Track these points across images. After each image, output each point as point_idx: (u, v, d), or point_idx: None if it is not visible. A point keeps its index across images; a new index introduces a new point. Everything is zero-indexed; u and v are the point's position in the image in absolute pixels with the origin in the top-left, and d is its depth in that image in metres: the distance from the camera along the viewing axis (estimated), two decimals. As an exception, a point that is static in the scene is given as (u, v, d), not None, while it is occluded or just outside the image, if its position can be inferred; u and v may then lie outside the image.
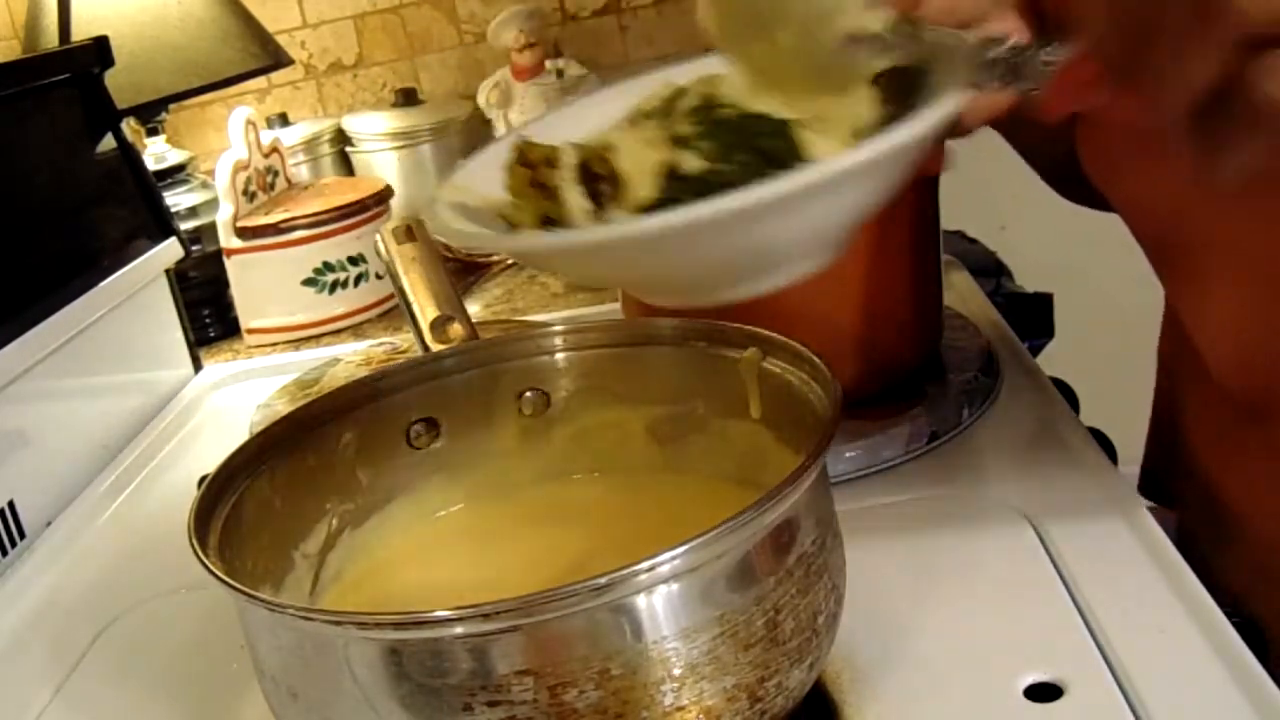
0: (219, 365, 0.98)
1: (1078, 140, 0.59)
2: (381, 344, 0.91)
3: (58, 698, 0.55)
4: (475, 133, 1.32)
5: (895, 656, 0.48)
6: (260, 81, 1.37)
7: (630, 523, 0.55)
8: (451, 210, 0.43)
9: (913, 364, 0.68)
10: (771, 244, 0.38)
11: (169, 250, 0.91)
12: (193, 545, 0.41)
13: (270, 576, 0.48)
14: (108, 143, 0.89)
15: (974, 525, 0.57)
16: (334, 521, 0.52)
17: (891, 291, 0.67)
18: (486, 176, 0.44)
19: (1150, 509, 0.54)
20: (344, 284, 1.03)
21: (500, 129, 1.28)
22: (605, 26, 1.39)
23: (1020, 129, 0.62)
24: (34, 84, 0.81)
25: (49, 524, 0.72)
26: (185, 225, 1.04)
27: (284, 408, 0.79)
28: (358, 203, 1.03)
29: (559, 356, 0.56)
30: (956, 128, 0.42)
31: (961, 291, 0.85)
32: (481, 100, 1.29)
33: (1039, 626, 0.48)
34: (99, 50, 0.88)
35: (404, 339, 0.91)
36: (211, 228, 1.02)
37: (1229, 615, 0.47)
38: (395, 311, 1.06)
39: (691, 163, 0.39)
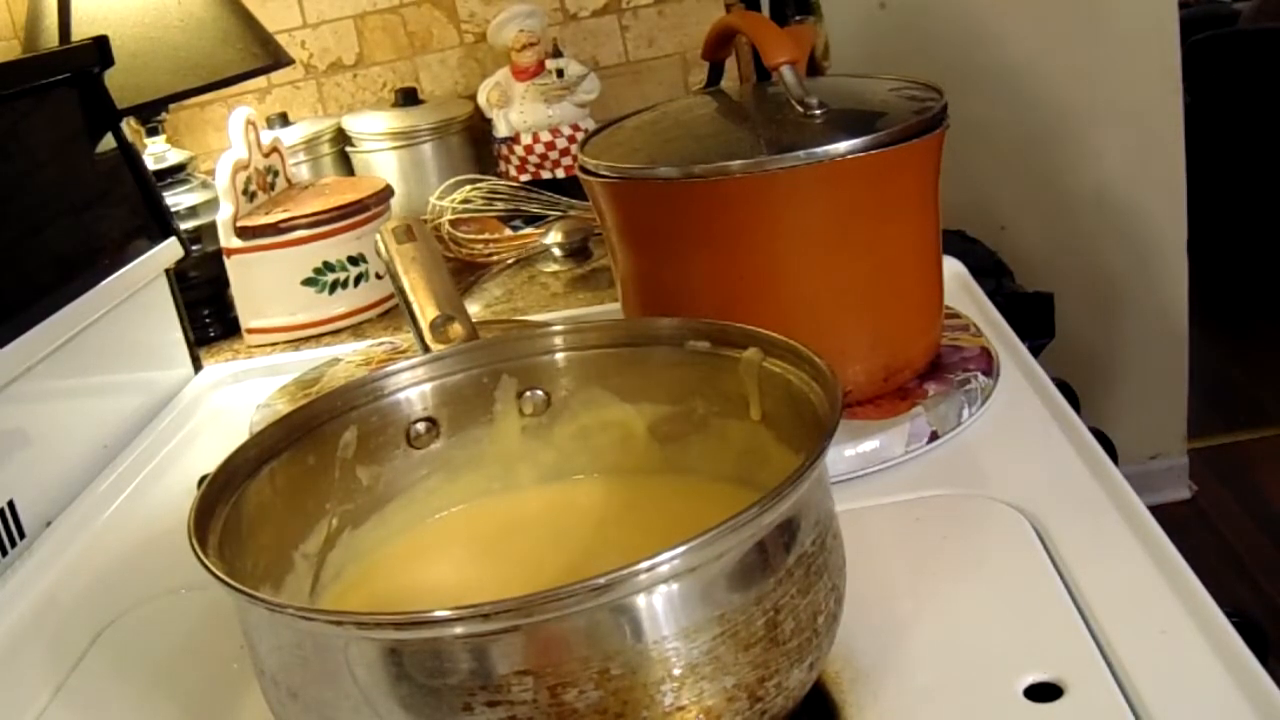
0: (219, 365, 0.98)
1: None
2: (381, 344, 0.91)
3: (58, 698, 0.55)
4: (475, 132, 1.32)
5: (895, 656, 0.48)
6: (260, 81, 1.37)
7: (630, 523, 0.55)
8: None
9: (912, 364, 0.68)
10: None
11: (169, 250, 0.91)
12: (193, 545, 0.41)
13: (270, 576, 0.48)
14: (108, 143, 0.89)
15: (974, 525, 0.57)
16: (334, 521, 0.52)
17: (891, 292, 0.67)
18: None
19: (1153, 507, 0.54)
20: (344, 284, 1.03)
21: (500, 129, 1.28)
22: (605, 26, 1.39)
23: None
24: (34, 84, 0.81)
25: (49, 524, 0.72)
26: (185, 225, 1.04)
27: (284, 408, 0.79)
28: (358, 203, 1.03)
29: (559, 356, 0.56)
30: None
31: (961, 291, 0.85)
32: (481, 100, 1.29)
33: (1039, 626, 0.48)
34: (99, 50, 0.87)
35: (404, 339, 0.91)
36: (211, 228, 1.02)
37: (1229, 615, 0.47)
38: (395, 311, 1.06)
39: None
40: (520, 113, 1.26)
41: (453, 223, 1.11)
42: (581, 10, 1.38)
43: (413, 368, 0.55)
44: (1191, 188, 1.76)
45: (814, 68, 0.73)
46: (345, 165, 1.33)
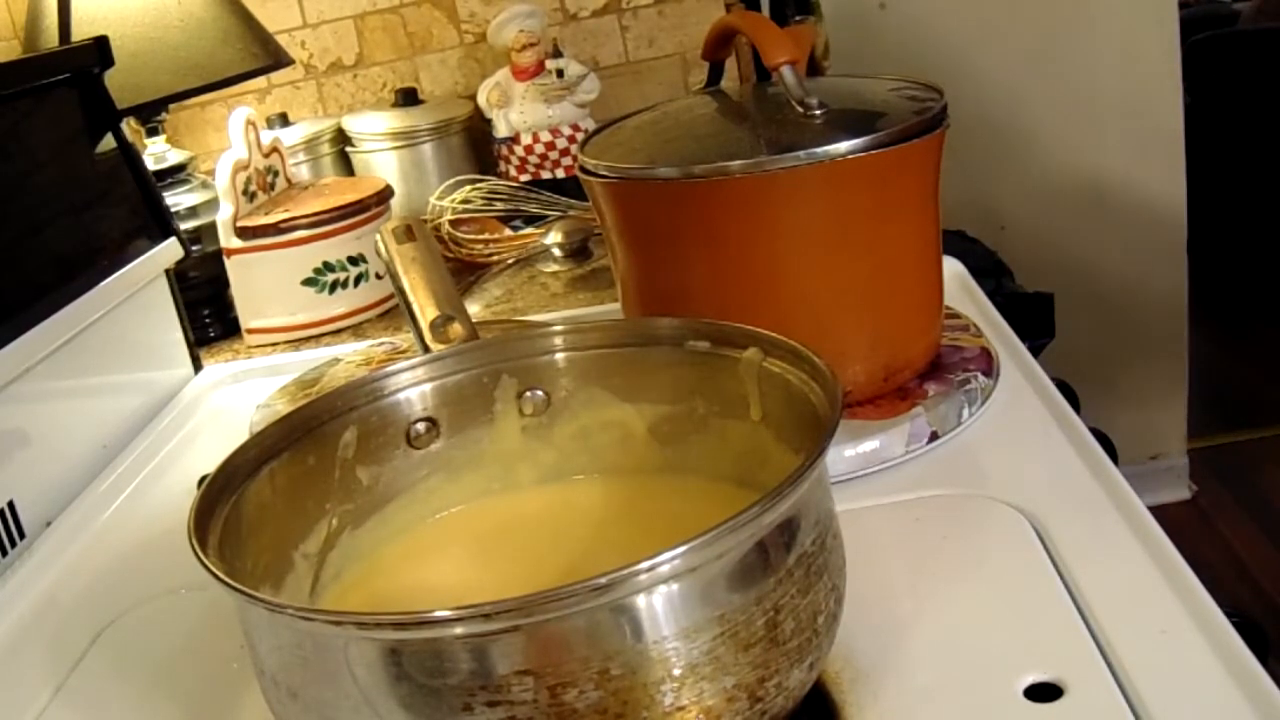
0: (219, 365, 0.98)
1: None
2: (381, 344, 0.91)
3: (58, 698, 0.55)
4: (475, 133, 1.32)
5: (895, 656, 0.48)
6: (260, 81, 1.37)
7: (630, 523, 0.55)
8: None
9: (912, 364, 0.68)
10: None
11: (169, 250, 0.91)
12: (193, 545, 0.41)
13: (270, 576, 0.48)
14: (108, 143, 0.89)
15: (974, 525, 0.57)
16: (334, 521, 0.52)
17: (891, 292, 0.67)
18: None
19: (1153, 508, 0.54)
20: (344, 284, 1.03)
21: (500, 129, 1.28)
22: (605, 26, 1.39)
23: None
24: (34, 84, 0.81)
25: (49, 524, 0.72)
26: (185, 225, 1.04)
27: (284, 408, 0.79)
28: (358, 203, 1.03)
29: (559, 356, 0.56)
30: None
31: (961, 291, 0.85)
32: (481, 100, 1.29)
33: (1039, 626, 0.48)
34: (99, 50, 0.87)
35: (404, 339, 0.91)
36: (211, 228, 1.02)
37: (1229, 615, 0.47)
38: (395, 311, 1.06)
39: None
40: (520, 113, 1.26)
41: (453, 223, 1.11)
42: (581, 10, 1.38)
43: (413, 368, 0.55)
44: (1191, 187, 1.76)
45: (814, 68, 0.73)
46: (345, 165, 1.33)
